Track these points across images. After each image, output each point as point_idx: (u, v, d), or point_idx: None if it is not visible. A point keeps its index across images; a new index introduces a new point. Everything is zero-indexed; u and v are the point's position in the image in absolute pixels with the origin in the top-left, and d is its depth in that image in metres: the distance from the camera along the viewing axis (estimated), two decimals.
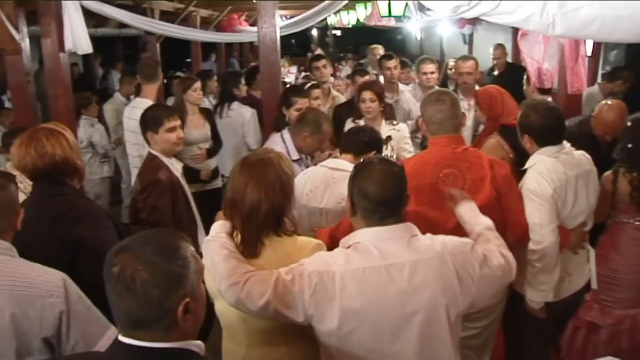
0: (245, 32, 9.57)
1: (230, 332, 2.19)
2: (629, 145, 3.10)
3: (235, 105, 5.45)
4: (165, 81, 7.73)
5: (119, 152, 6.74)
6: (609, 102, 3.75)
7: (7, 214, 2.05)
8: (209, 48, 12.72)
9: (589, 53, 3.63)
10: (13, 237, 2.09)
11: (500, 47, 7.64)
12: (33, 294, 1.92)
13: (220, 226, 2.09)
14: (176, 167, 3.38)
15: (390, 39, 17.73)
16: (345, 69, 11.77)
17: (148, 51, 7.48)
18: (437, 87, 4.95)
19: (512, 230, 2.78)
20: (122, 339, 1.42)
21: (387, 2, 5.66)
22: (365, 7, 8.79)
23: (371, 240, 1.89)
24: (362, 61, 13.04)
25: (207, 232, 2.26)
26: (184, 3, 7.90)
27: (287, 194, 2.10)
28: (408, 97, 5.37)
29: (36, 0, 4.50)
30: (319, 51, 15.85)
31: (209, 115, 5.18)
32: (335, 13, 9.51)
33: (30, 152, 2.52)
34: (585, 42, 3.28)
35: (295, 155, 3.63)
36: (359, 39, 21.60)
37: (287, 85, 5.82)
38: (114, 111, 6.97)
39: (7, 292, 1.90)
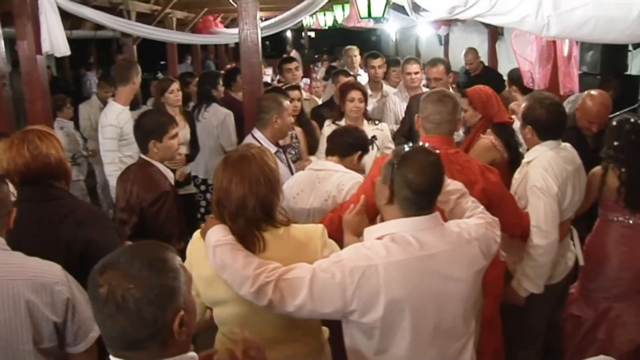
0: (223, 34, 9.52)
1: (231, 338, 2.16)
2: (615, 143, 3.19)
3: (212, 107, 5.41)
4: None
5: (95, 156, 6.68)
6: (593, 92, 3.80)
7: (1, 213, 2.03)
8: (184, 50, 12.63)
9: (565, 53, 3.69)
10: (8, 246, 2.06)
11: (471, 51, 7.71)
12: (45, 282, 1.97)
13: (221, 229, 2.03)
14: (170, 174, 3.33)
15: (366, 40, 17.80)
16: (321, 71, 11.80)
17: (125, 53, 7.38)
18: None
19: (510, 231, 2.80)
20: None
21: (367, 3, 5.65)
22: (343, 9, 8.80)
23: (409, 231, 1.90)
24: (334, 63, 13.11)
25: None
26: (160, 5, 7.83)
27: (272, 186, 2.09)
28: (395, 99, 5.38)
29: (11, 0, 4.40)
30: (293, 53, 15.90)
31: (189, 118, 5.15)
32: (311, 15, 9.50)
33: (23, 154, 2.45)
34: (566, 42, 3.32)
35: (273, 149, 3.64)
36: (333, 41, 21.64)
37: (269, 87, 5.79)
38: (87, 113, 6.94)
39: (21, 281, 1.93)
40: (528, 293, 2.96)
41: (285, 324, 2.11)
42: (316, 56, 17.69)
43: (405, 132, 4.78)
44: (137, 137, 3.30)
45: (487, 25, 8.87)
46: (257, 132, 3.72)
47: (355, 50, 7.31)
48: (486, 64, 8.24)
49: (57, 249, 2.36)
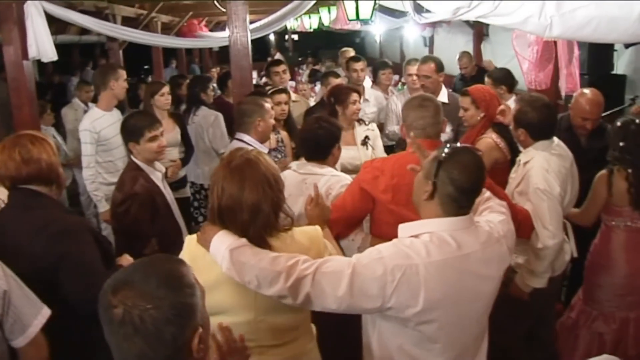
0: (210, 38, 9.51)
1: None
2: (621, 144, 3.19)
3: (202, 110, 5.41)
4: None
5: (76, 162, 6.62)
6: (585, 90, 3.83)
7: None
8: (169, 54, 12.57)
9: (567, 54, 3.72)
10: None
11: (465, 55, 7.71)
12: None
13: (228, 234, 1.97)
14: (157, 175, 3.33)
15: (350, 43, 17.76)
16: (305, 73, 11.80)
17: (111, 58, 7.32)
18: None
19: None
20: None
21: (355, 5, 5.65)
22: (329, 11, 8.80)
23: (447, 230, 1.91)
24: (316, 67, 13.11)
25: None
26: (145, 9, 7.78)
27: (280, 187, 2.06)
28: (396, 101, 5.33)
29: None
30: (278, 56, 15.88)
31: (179, 120, 5.14)
32: (296, 17, 9.50)
33: (14, 157, 2.45)
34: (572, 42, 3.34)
35: (265, 149, 3.65)
36: (317, 43, 21.68)
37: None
38: (73, 116, 6.90)
39: None
40: (532, 288, 3.00)
41: (281, 329, 2.09)
42: (300, 59, 17.68)
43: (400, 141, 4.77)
44: (123, 139, 3.39)
45: (472, 26, 8.92)
46: (244, 136, 3.70)
47: (350, 52, 7.33)
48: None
49: (30, 260, 2.36)
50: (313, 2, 5.73)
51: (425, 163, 2.01)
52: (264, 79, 10.32)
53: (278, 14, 6.36)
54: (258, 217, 1.97)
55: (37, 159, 2.48)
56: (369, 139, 4.22)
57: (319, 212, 2.47)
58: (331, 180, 3.05)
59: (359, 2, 5.62)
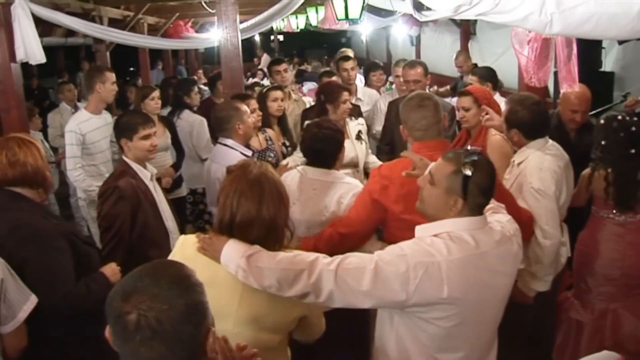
0: (196, 39, 9.48)
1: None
2: (603, 142, 3.17)
3: (185, 113, 5.38)
4: None
5: (64, 165, 6.54)
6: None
7: None
8: (155, 56, 12.48)
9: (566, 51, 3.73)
10: None
11: (461, 53, 7.68)
12: None
13: (238, 243, 1.93)
14: (145, 173, 3.29)
15: (336, 43, 17.88)
16: (292, 74, 11.78)
17: (98, 60, 7.26)
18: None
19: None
20: None
21: (344, 5, 5.66)
22: (317, 11, 8.79)
23: (465, 230, 1.93)
24: (302, 67, 13.10)
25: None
26: (131, 10, 7.73)
27: (288, 202, 2.04)
28: (385, 102, 5.33)
29: None
30: (264, 57, 15.85)
31: (169, 123, 5.12)
32: (283, 18, 9.48)
33: (1, 160, 2.49)
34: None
35: (249, 152, 3.66)
36: (302, 44, 21.69)
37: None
38: (57, 121, 6.84)
39: None
40: (536, 292, 2.99)
41: (257, 345, 1.98)
42: (286, 59, 17.63)
43: (388, 140, 4.75)
44: (114, 136, 3.37)
45: (459, 25, 8.96)
46: (227, 140, 3.67)
47: (348, 53, 7.29)
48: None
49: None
50: (301, 2, 5.73)
51: (444, 178, 1.97)
52: (252, 79, 10.36)
53: (266, 14, 6.36)
54: (272, 233, 1.95)
55: (23, 162, 2.52)
56: (362, 133, 4.24)
57: None
58: (342, 188, 2.98)
59: (349, 1, 5.63)
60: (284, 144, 4.63)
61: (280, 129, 4.71)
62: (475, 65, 7.13)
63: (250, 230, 1.93)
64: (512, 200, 2.79)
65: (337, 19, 6.01)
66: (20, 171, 2.51)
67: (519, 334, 3.20)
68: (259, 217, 1.92)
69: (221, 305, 1.92)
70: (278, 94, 4.70)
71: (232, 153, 3.56)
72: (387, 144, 4.74)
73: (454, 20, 8.62)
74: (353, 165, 4.10)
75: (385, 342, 2.07)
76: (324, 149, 3.02)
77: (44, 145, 6.36)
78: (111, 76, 4.73)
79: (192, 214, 5.35)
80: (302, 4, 6.58)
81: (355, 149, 4.13)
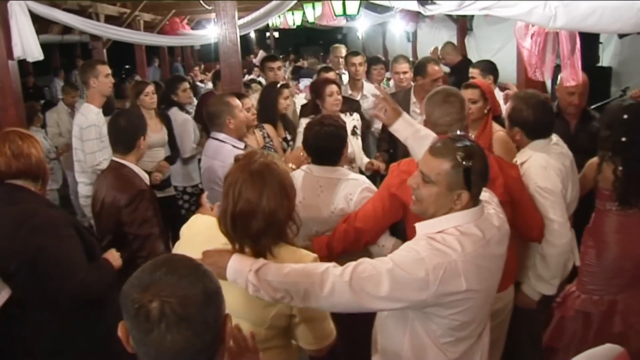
0: (193, 36, 9.45)
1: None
2: (623, 139, 3.02)
3: (172, 111, 5.36)
4: None
5: (65, 163, 6.54)
6: None
7: None
8: (151, 53, 12.45)
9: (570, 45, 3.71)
10: None
11: (449, 44, 7.64)
12: None
13: (242, 256, 1.90)
14: (144, 175, 3.27)
15: (332, 39, 17.80)
16: (288, 70, 11.77)
17: (94, 57, 7.21)
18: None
19: (527, 232, 2.79)
20: None
21: (342, 1, 5.66)
22: (314, 7, 8.77)
23: (472, 221, 1.95)
24: (297, 63, 13.06)
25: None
26: (128, 7, 7.71)
27: (293, 196, 2.01)
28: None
29: None
30: (260, 53, 15.81)
31: (166, 120, 5.11)
32: (279, 14, 9.45)
33: (5, 152, 2.50)
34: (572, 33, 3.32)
35: (241, 144, 3.63)
36: (298, 40, 21.67)
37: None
38: (54, 120, 6.84)
39: None
40: (541, 296, 2.91)
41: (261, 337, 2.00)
42: (282, 56, 17.60)
43: (387, 135, 4.73)
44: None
45: (456, 21, 8.95)
46: (219, 135, 3.64)
47: (342, 49, 7.30)
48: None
49: (13, 255, 2.43)
50: None
51: (444, 175, 1.93)
52: (248, 76, 10.34)
53: (263, 10, 6.33)
54: (272, 227, 1.92)
55: (27, 154, 2.54)
56: (357, 128, 4.23)
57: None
58: (349, 185, 2.95)
59: None
60: (284, 139, 4.62)
61: (282, 124, 4.70)
62: (468, 60, 7.10)
63: (250, 221, 1.89)
64: (529, 200, 2.79)
65: (335, 15, 6.02)
66: (25, 163, 2.53)
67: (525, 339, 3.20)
68: (258, 208, 1.88)
69: None
70: (287, 92, 4.75)
71: (224, 147, 3.55)
72: (386, 140, 4.72)
73: (450, 16, 8.61)
74: (349, 161, 4.09)
75: (401, 342, 2.05)
76: (328, 146, 2.99)
77: (46, 142, 6.38)
78: (104, 69, 4.62)
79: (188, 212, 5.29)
80: (299, 1, 6.59)
81: (351, 144, 4.11)
